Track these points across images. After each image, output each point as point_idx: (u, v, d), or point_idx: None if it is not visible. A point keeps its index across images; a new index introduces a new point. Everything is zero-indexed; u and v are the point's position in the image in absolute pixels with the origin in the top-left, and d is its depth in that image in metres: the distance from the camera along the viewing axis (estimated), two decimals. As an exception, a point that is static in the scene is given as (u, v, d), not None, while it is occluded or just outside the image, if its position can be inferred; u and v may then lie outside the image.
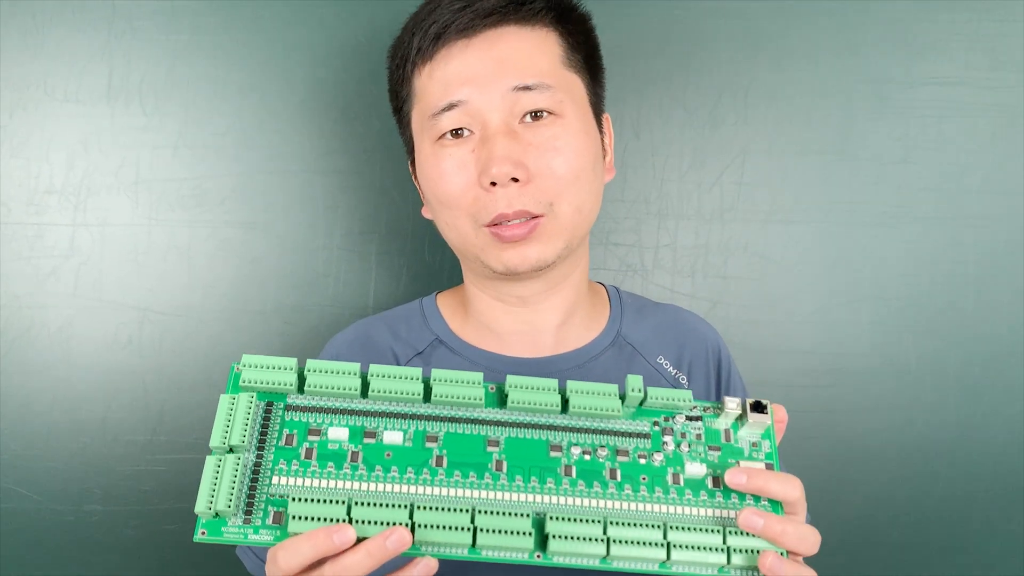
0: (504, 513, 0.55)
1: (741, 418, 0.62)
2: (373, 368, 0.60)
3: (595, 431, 0.61)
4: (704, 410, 0.63)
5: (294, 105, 1.02)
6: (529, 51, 0.74)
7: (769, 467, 0.60)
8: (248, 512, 0.55)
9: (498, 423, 0.60)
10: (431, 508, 0.55)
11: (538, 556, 0.55)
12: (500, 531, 0.54)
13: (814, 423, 1.08)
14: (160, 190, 1.00)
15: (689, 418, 0.62)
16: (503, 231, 0.73)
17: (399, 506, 0.54)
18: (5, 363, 0.99)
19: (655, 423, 0.62)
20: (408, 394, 0.60)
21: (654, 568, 0.56)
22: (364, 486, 0.56)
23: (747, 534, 0.56)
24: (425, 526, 0.54)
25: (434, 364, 0.81)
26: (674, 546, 0.55)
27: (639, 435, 0.61)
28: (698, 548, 0.56)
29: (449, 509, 0.55)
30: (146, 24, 0.99)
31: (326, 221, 1.03)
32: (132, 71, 0.99)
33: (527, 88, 0.73)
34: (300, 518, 0.53)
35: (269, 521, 0.55)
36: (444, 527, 0.54)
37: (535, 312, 0.82)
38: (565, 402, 0.61)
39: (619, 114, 1.05)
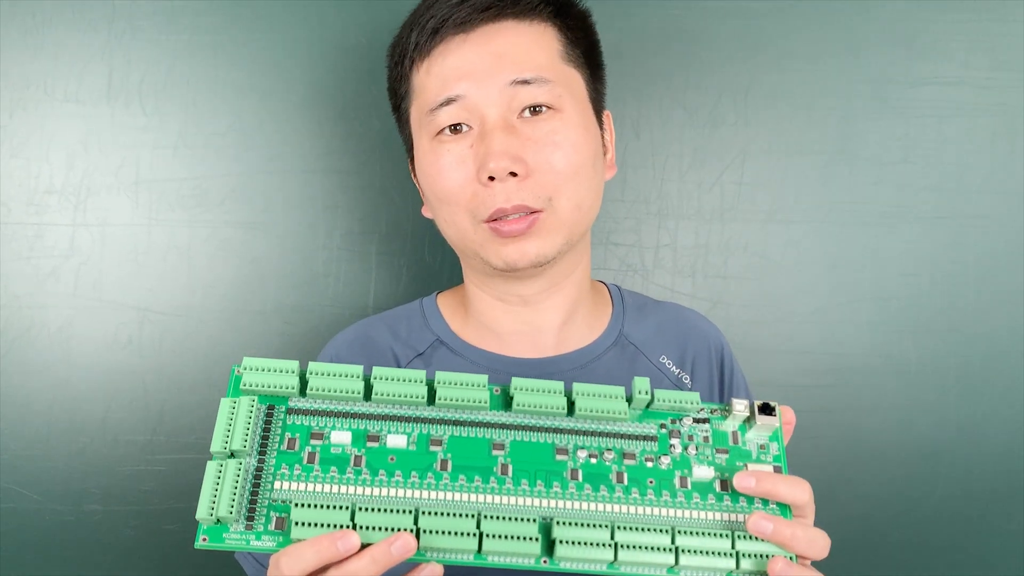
0: (510, 518, 0.54)
1: (749, 420, 0.61)
2: (376, 371, 0.60)
3: (601, 434, 0.60)
4: (711, 412, 0.62)
5: (294, 105, 1.01)
6: (527, 45, 0.74)
7: (777, 470, 0.60)
8: (250, 518, 0.54)
9: (503, 426, 0.60)
10: (436, 513, 0.54)
11: (544, 562, 0.55)
12: (506, 536, 0.53)
13: (814, 423, 1.08)
14: (160, 190, 1.00)
15: (696, 420, 0.62)
16: (502, 226, 0.72)
17: (404, 511, 0.54)
18: (5, 363, 0.99)
19: (662, 426, 0.61)
20: (412, 397, 0.59)
21: (662, 573, 0.55)
22: (368, 491, 0.56)
23: (756, 538, 0.56)
24: (430, 531, 0.53)
25: (435, 365, 0.81)
26: (682, 551, 0.55)
27: (646, 438, 0.61)
28: (707, 553, 0.55)
29: (454, 514, 0.54)
30: (146, 24, 0.99)
31: (326, 221, 1.03)
32: (132, 71, 0.99)
33: (525, 82, 0.72)
34: (303, 524, 0.52)
35: (271, 527, 0.54)
36: (449, 532, 0.53)
37: (536, 312, 0.81)
38: (571, 404, 0.61)
39: (619, 114, 1.04)
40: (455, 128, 0.74)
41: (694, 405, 0.62)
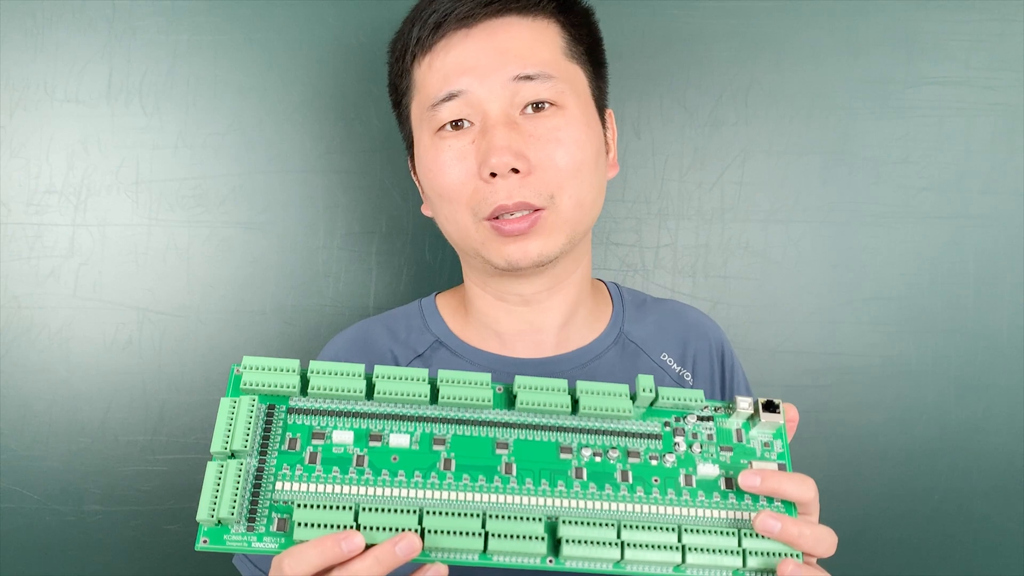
0: (516, 517, 0.54)
1: (753, 418, 0.61)
2: (378, 369, 0.59)
3: (605, 432, 0.60)
4: (715, 410, 0.62)
5: (294, 105, 1.01)
6: (530, 41, 0.73)
7: (782, 467, 0.60)
8: (251, 519, 0.53)
9: (507, 425, 0.59)
10: (441, 513, 0.53)
11: (550, 561, 0.54)
12: (512, 536, 0.53)
13: (814, 423, 1.09)
14: (160, 190, 1.00)
15: (700, 418, 0.61)
16: (504, 225, 0.72)
17: (408, 511, 0.53)
18: (5, 363, 0.99)
19: (666, 424, 0.61)
20: (414, 396, 0.58)
21: (668, 571, 0.55)
22: (371, 491, 0.55)
23: (762, 536, 0.56)
24: (435, 531, 0.53)
25: (434, 366, 0.80)
26: (689, 549, 0.55)
27: (650, 436, 0.60)
28: (713, 551, 0.55)
29: (459, 514, 0.54)
30: (146, 24, 0.98)
31: (326, 221, 1.03)
32: (132, 71, 0.99)
33: (528, 78, 0.72)
34: (306, 525, 0.52)
35: (273, 528, 0.53)
36: (455, 532, 0.53)
37: (537, 311, 0.81)
38: (575, 403, 0.60)
39: (620, 114, 1.04)
40: (456, 124, 0.73)
41: (698, 403, 0.61)
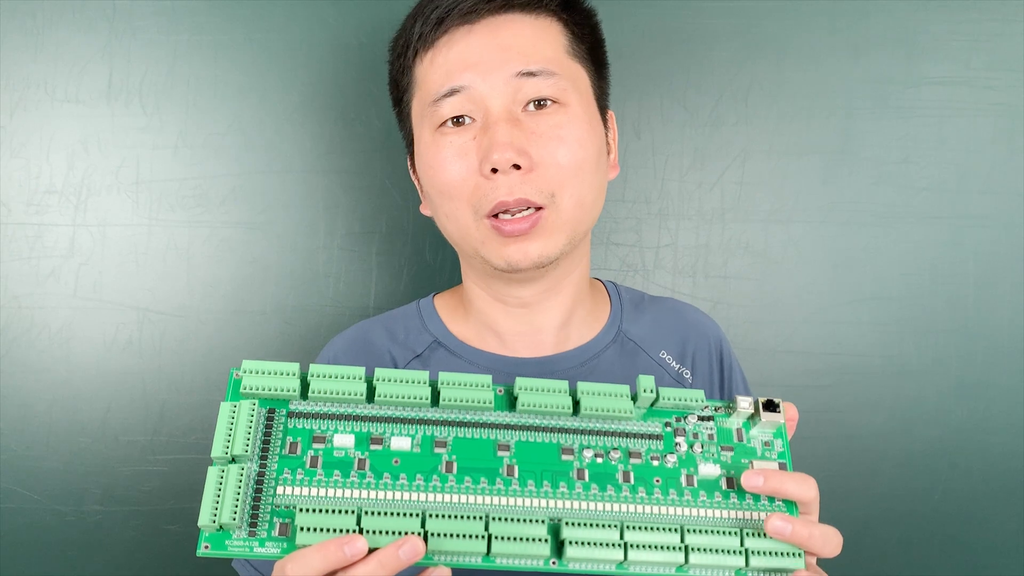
0: (519, 520, 0.54)
1: (753, 417, 0.61)
2: (379, 372, 0.59)
3: (606, 433, 0.60)
4: (716, 410, 0.62)
5: (294, 105, 1.01)
6: (533, 38, 0.73)
7: (782, 466, 0.60)
8: (253, 524, 0.53)
9: (508, 426, 0.59)
10: (444, 516, 0.53)
11: (553, 563, 0.54)
12: (515, 538, 0.53)
13: (814, 423, 1.09)
14: (160, 190, 1.00)
15: (701, 418, 0.61)
16: (504, 224, 0.71)
17: (410, 514, 0.53)
18: (5, 363, 0.99)
19: (667, 424, 0.61)
20: (415, 398, 0.58)
21: (671, 572, 0.55)
22: (373, 494, 0.55)
23: (764, 535, 0.55)
24: (438, 534, 0.52)
25: (433, 366, 0.80)
26: (692, 549, 0.55)
27: (651, 436, 0.60)
28: (716, 551, 0.55)
29: (462, 516, 0.53)
30: (146, 24, 0.98)
31: (326, 221, 1.03)
32: (132, 71, 0.99)
33: (531, 74, 0.71)
34: (308, 529, 0.51)
35: (275, 533, 0.53)
36: (458, 535, 0.53)
37: (536, 312, 0.81)
38: (576, 404, 0.60)
39: (620, 114, 1.04)
40: (458, 120, 0.73)
41: (699, 403, 0.61)
